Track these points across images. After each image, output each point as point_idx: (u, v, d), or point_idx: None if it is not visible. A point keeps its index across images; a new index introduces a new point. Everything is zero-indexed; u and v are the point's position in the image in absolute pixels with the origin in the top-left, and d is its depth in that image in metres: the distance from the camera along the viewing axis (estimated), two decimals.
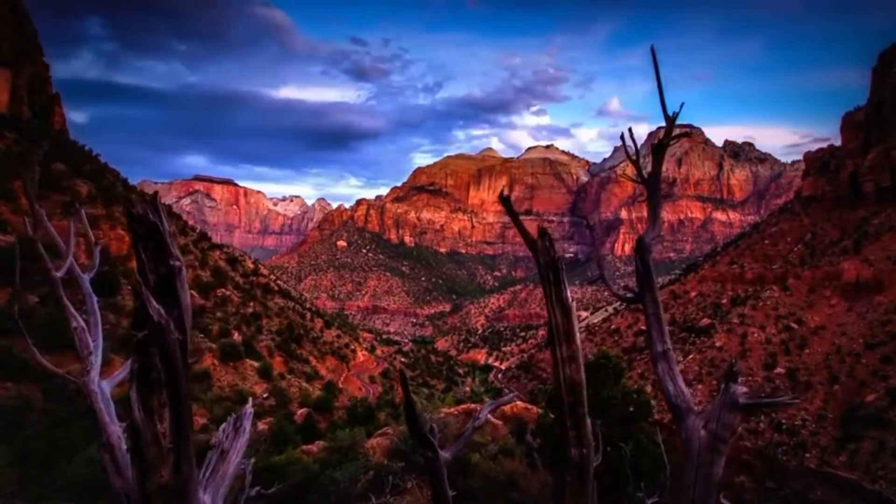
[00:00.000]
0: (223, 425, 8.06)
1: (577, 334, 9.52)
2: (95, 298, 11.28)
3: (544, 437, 21.00)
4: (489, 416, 23.99)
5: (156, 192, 7.49)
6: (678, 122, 10.70)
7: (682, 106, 10.91)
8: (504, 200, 9.58)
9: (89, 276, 11.25)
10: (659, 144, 11.22)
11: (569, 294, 9.62)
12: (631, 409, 19.90)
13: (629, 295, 11.11)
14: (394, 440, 21.14)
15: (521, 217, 10.33)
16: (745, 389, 8.93)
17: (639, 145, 11.40)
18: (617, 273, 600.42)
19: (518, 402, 28.55)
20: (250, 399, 11.00)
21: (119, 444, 9.06)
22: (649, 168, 11.60)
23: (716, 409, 8.99)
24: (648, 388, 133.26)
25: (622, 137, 11.46)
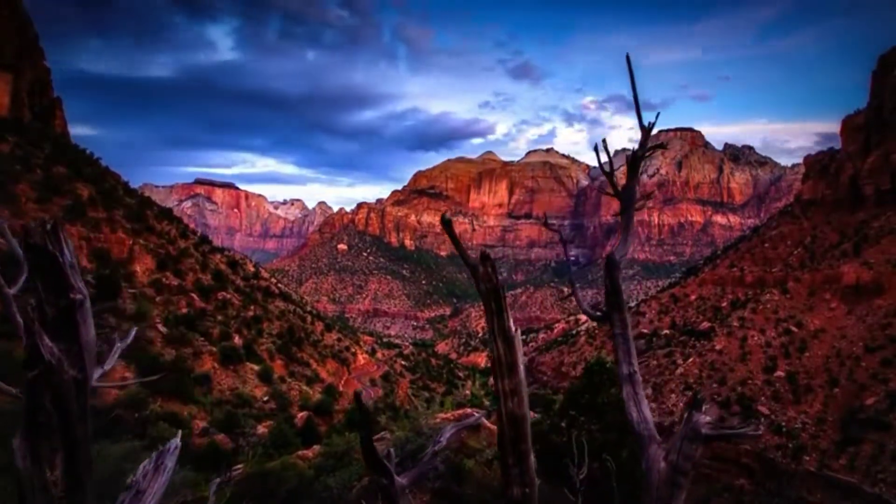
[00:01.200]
0: (144, 462, 7.49)
1: (521, 366, 9.25)
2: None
3: (538, 443, 20.90)
4: (484, 420, 24.13)
5: (56, 220, 6.87)
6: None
7: (657, 116, 10.73)
8: (445, 223, 9.19)
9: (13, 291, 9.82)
10: (633, 156, 11.02)
11: (512, 324, 9.38)
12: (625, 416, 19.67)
13: (598, 314, 10.71)
14: (388, 446, 21.09)
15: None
16: (708, 419, 8.63)
17: (613, 156, 11.39)
18: None
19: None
20: (178, 432, 10.13)
21: None
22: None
23: (677, 439, 8.67)
24: (648, 391, 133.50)
25: (596, 149, 11.21)
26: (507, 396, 9.04)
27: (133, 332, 10.73)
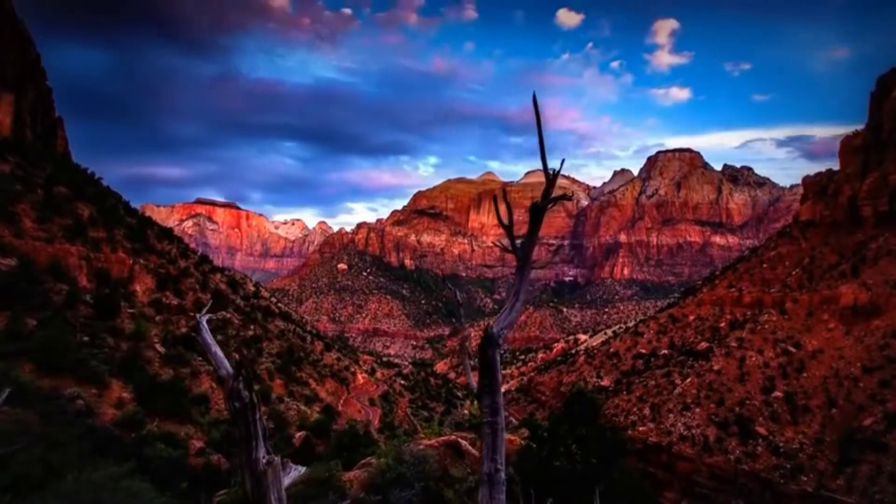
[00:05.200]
0: None
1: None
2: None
3: (523, 469, 20.60)
4: (468, 447, 23.82)
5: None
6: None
7: (562, 163, 9.66)
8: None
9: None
10: (534, 207, 9.75)
11: (262, 454, 7.98)
12: (606, 446, 19.30)
13: (475, 390, 9.43)
14: (372, 473, 20.50)
15: (520, 240, 9.71)
16: None
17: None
18: (616, 296, 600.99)
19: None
20: None
21: None
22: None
23: None
24: (647, 411, 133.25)
25: (494, 200, 10.06)
26: None
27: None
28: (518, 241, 9.91)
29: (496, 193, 9.47)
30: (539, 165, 9.66)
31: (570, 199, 11.98)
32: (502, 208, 9.68)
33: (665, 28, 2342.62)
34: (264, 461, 7.53)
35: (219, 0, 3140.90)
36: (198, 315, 13.45)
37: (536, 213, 9.60)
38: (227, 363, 9.41)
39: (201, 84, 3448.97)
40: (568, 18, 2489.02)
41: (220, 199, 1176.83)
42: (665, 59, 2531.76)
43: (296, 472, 17.29)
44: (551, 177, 9.33)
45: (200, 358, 75.43)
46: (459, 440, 25.22)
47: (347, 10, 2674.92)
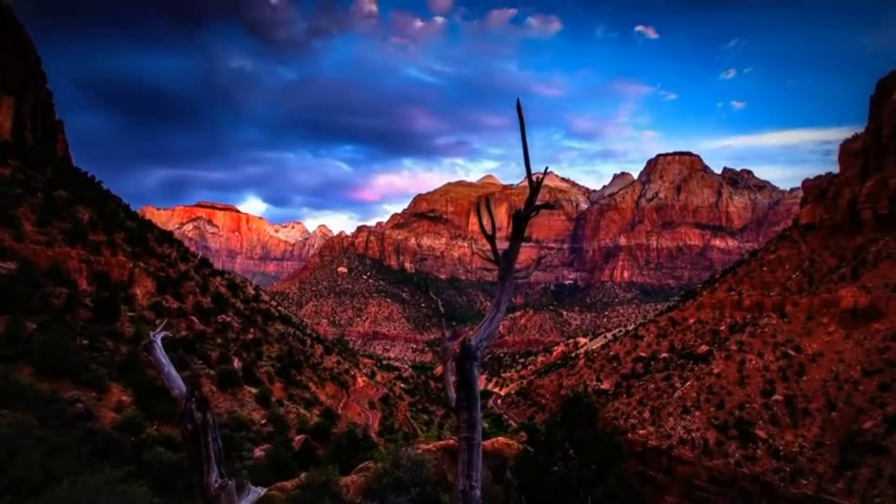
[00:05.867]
0: None
1: None
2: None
3: (520, 474, 20.55)
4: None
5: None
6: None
7: (546, 171, 9.45)
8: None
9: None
10: (517, 215, 9.41)
11: (214, 478, 7.75)
12: (603, 451, 19.08)
13: (453, 404, 9.11)
14: (369, 478, 20.24)
15: (521, 243, 9.35)
16: None
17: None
18: (616, 300, 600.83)
19: (499, 438, 27.72)
20: None
21: None
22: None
23: None
24: (646, 414, 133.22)
25: (477, 209, 9.86)
26: None
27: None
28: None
29: (479, 202, 9.03)
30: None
31: (552, 207, 10.93)
32: (485, 217, 9.39)
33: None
34: (216, 485, 7.30)
35: (312, 4, 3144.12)
36: (151, 333, 13.02)
37: (519, 221, 9.23)
38: (180, 383, 9.24)
39: (274, 88, 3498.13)
40: (646, 31, 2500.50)
41: (259, 201, 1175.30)
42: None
43: (255, 494, 16.96)
44: (535, 184, 9.05)
45: (201, 361, 75.47)
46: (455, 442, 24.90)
47: (440, 19, 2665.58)
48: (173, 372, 9.64)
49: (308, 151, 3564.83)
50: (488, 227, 9.32)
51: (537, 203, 9.38)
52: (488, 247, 9.45)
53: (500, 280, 9.13)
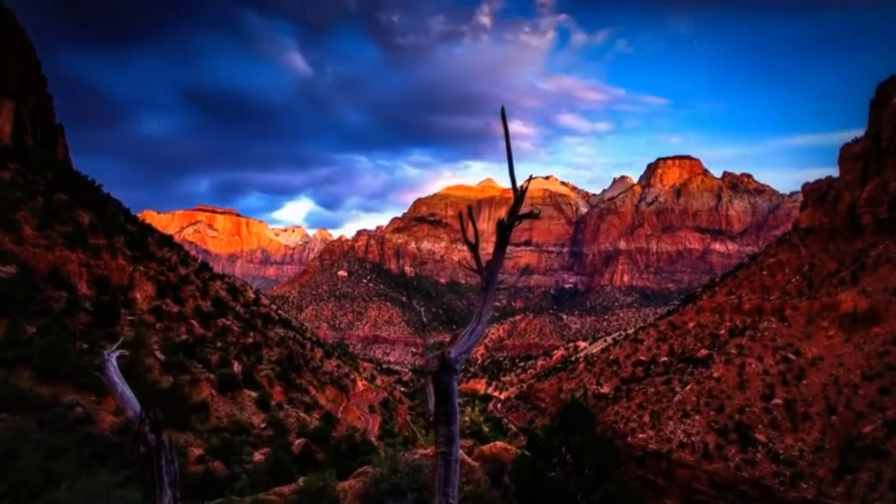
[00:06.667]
0: None
1: None
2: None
3: (518, 479, 20.56)
4: (464, 456, 23.73)
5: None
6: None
7: (530, 178, 9.36)
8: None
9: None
10: (500, 225, 9.29)
11: (167, 501, 7.56)
12: (601, 456, 19.01)
13: (431, 418, 9.00)
14: (366, 483, 20.10)
15: (522, 247, 9.12)
16: None
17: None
18: (616, 303, 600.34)
19: (497, 443, 27.68)
20: None
21: None
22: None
23: None
24: (646, 418, 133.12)
25: (460, 217, 9.50)
26: None
27: None
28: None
29: (462, 211, 9.03)
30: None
31: (536, 216, 10.60)
32: (468, 226, 9.17)
33: None
34: None
35: (430, 11, 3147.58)
36: (105, 352, 12.76)
37: (503, 230, 9.04)
38: (135, 404, 9.11)
39: (373, 92, 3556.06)
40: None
41: (310, 202, 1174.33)
42: None
43: None
44: (519, 193, 8.75)
45: (201, 365, 75.46)
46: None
47: (550, 33, 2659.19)
48: (128, 392, 9.52)
49: (378, 156, 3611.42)
50: (471, 236, 9.14)
51: (521, 212, 9.17)
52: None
53: (482, 290, 8.76)
